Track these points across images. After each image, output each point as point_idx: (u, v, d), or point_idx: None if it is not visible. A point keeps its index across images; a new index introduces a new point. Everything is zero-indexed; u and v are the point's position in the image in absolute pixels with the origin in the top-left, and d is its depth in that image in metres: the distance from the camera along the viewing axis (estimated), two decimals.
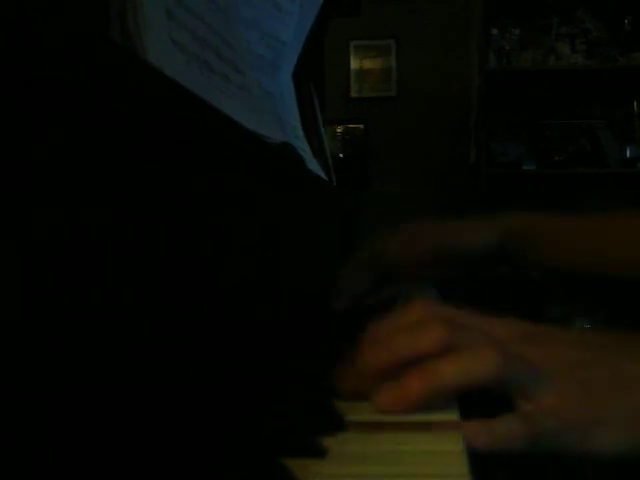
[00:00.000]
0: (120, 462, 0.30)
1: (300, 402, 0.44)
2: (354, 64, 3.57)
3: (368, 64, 3.56)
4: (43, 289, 0.29)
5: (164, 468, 0.31)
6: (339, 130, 3.54)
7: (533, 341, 0.46)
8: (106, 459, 0.30)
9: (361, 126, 3.56)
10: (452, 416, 0.43)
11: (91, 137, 0.34)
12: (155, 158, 0.41)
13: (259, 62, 0.89)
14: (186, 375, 0.41)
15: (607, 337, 0.49)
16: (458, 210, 3.24)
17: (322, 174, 1.09)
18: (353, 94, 3.57)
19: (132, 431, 0.32)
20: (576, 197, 3.25)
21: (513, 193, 3.28)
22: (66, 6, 0.34)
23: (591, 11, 3.24)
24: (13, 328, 0.26)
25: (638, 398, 0.44)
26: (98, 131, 0.34)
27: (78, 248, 0.31)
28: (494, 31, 3.23)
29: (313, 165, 1.03)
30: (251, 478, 0.31)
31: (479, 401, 0.45)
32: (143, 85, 0.41)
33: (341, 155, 3.50)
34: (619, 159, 3.24)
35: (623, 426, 0.44)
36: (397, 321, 0.46)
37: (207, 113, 0.51)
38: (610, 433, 0.44)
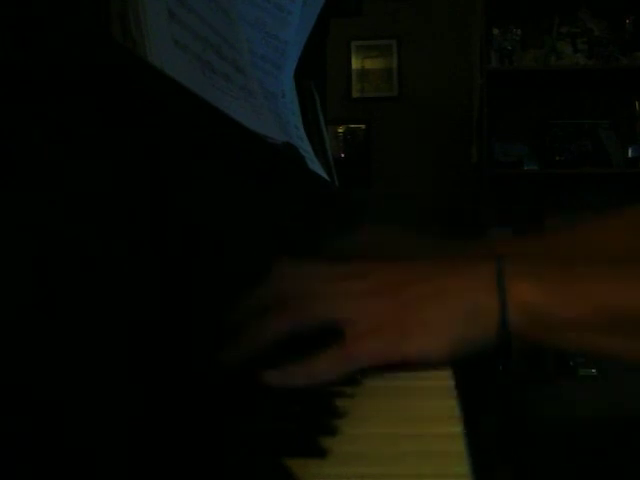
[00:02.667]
0: (120, 462, 0.30)
1: (300, 402, 0.44)
2: (356, 64, 3.57)
3: (370, 64, 3.56)
4: (42, 288, 0.29)
5: (164, 468, 0.31)
6: (341, 130, 3.54)
7: (357, 275, 0.51)
8: (106, 459, 0.30)
9: (363, 126, 3.55)
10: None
11: (92, 137, 0.34)
12: (156, 158, 0.41)
13: (261, 62, 0.89)
14: (186, 375, 0.41)
15: (425, 264, 0.54)
16: (459, 210, 3.24)
17: (324, 174, 1.09)
18: (355, 94, 3.57)
19: (133, 431, 0.32)
20: (578, 197, 3.25)
21: (515, 193, 3.28)
22: (67, 6, 0.34)
23: (592, 11, 3.23)
24: (12, 328, 0.27)
25: (444, 308, 0.49)
26: (99, 131, 0.34)
27: (78, 248, 0.32)
28: (496, 31, 3.23)
29: (315, 165, 1.03)
30: (251, 478, 0.31)
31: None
32: (144, 85, 0.41)
33: (343, 155, 3.50)
34: (621, 159, 3.23)
35: (429, 332, 0.49)
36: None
37: (209, 113, 0.51)
38: (417, 339, 0.49)
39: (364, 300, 0.50)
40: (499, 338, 0.49)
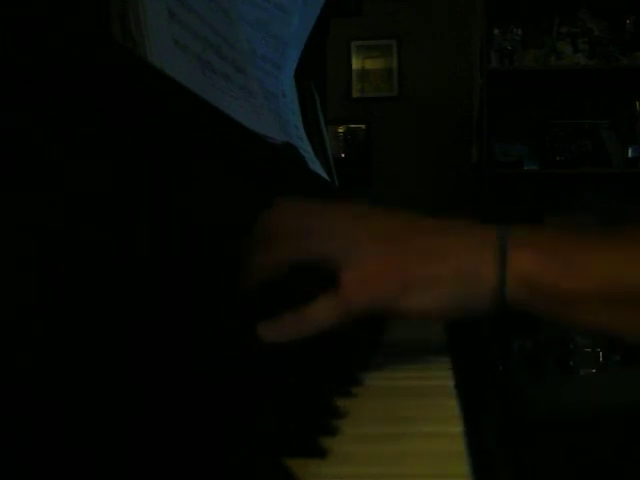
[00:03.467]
0: (120, 462, 0.30)
1: (300, 402, 0.44)
2: (356, 64, 3.57)
3: (370, 64, 3.56)
4: (40, 288, 0.29)
5: (164, 468, 0.31)
6: (341, 130, 3.54)
7: (359, 217, 0.51)
8: (106, 459, 0.30)
9: (363, 126, 3.55)
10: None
11: (92, 137, 0.34)
12: (156, 158, 0.41)
13: (261, 62, 0.89)
14: (186, 375, 0.41)
15: (426, 220, 0.53)
16: (459, 210, 3.24)
17: (324, 174, 1.09)
18: (355, 94, 3.57)
19: (133, 432, 0.32)
20: (578, 197, 3.24)
21: (515, 193, 3.28)
22: (67, 6, 0.34)
23: (593, 11, 3.23)
24: (12, 328, 0.27)
25: (445, 267, 0.48)
26: (99, 131, 0.34)
27: (77, 248, 0.32)
28: (496, 31, 3.22)
29: (315, 165, 1.03)
30: (251, 478, 0.31)
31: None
32: (144, 85, 0.41)
33: (343, 155, 3.50)
34: (622, 159, 3.23)
35: (428, 289, 0.48)
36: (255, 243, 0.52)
37: (209, 113, 0.51)
38: (417, 295, 0.48)
39: (364, 246, 0.48)
40: (495, 304, 0.48)
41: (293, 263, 0.49)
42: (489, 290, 0.48)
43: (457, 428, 0.40)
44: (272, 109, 0.87)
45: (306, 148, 1.02)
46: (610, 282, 0.47)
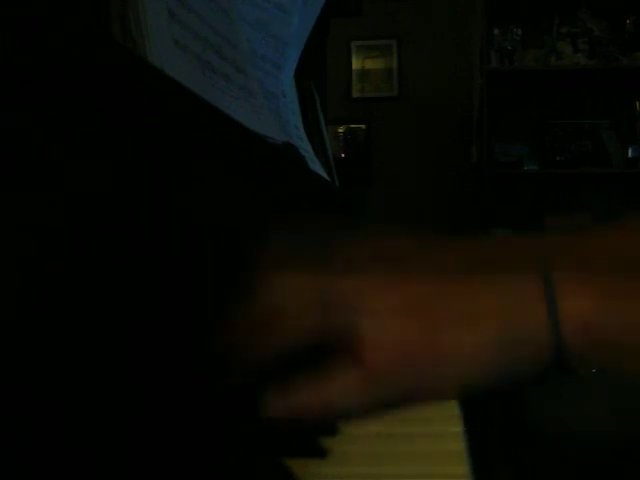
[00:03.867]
0: (120, 462, 0.30)
1: None
2: (356, 64, 3.56)
3: (370, 64, 3.56)
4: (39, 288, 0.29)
5: (164, 468, 0.31)
6: (341, 130, 3.54)
7: (362, 266, 0.43)
8: (106, 459, 0.30)
9: (363, 126, 3.55)
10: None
11: (92, 137, 0.34)
12: (156, 158, 0.41)
13: (261, 62, 0.89)
14: (186, 375, 0.41)
15: (459, 264, 0.45)
16: (459, 210, 3.24)
17: (324, 174, 1.09)
18: (355, 94, 3.57)
19: (133, 432, 0.32)
20: (578, 197, 3.24)
21: (515, 193, 3.28)
22: (67, 6, 0.34)
23: (593, 11, 3.23)
24: (12, 328, 0.27)
25: (484, 331, 0.39)
26: (99, 131, 0.34)
27: (77, 248, 0.31)
28: (496, 31, 3.22)
29: (315, 165, 1.03)
30: (252, 478, 0.32)
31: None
32: (144, 85, 0.41)
33: (343, 155, 3.50)
34: (622, 159, 3.23)
35: (471, 362, 0.39)
36: None
37: (209, 113, 0.51)
38: (458, 370, 0.39)
39: (389, 318, 0.40)
40: (552, 364, 0.40)
41: (299, 346, 0.40)
42: (542, 349, 0.39)
43: (457, 428, 0.40)
44: (272, 109, 0.87)
45: (306, 148, 1.02)
46: None
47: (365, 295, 0.40)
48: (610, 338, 0.39)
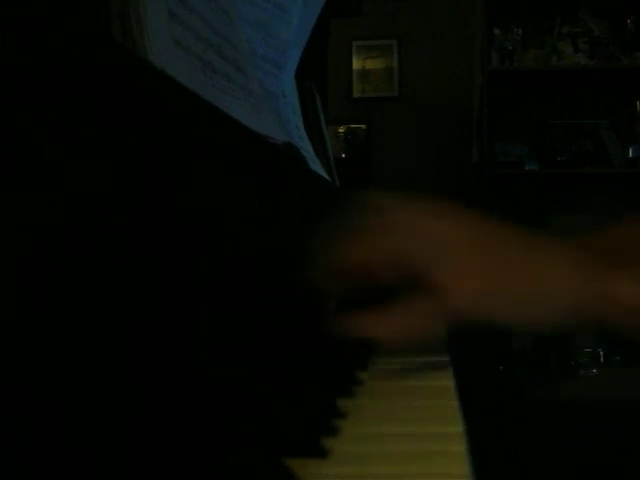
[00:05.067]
0: (120, 462, 0.30)
1: (301, 401, 0.44)
2: (356, 64, 3.56)
3: (370, 64, 3.56)
4: (39, 289, 0.29)
5: (164, 468, 0.31)
6: (341, 130, 3.54)
7: (444, 218, 0.51)
8: (106, 459, 0.30)
9: (363, 126, 3.55)
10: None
11: (92, 137, 0.34)
12: (157, 158, 0.41)
13: (261, 62, 0.89)
14: (186, 374, 0.41)
15: (512, 232, 0.55)
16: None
17: (324, 174, 1.09)
18: (355, 94, 3.57)
19: (132, 431, 0.32)
20: (579, 197, 3.24)
21: (516, 193, 3.28)
22: (67, 6, 0.34)
23: (593, 11, 3.23)
24: (12, 328, 0.27)
25: (541, 283, 0.49)
26: (99, 131, 0.34)
27: (78, 248, 0.32)
28: (496, 31, 3.22)
29: (315, 165, 1.03)
30: (251, 478, 0.31)
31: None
32: (145, 85, 0.41)
33: (343, 155, 3.50)
34: (622, 159, 3.23)
35: (527, 303, 0.48)
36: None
37: (209, 113, 0.51)
38: (512, 307, 0.48)
39: (463, 255, 0.48)
40: (581, 320, 0.50)
41: (384, 265, 0.48)
42: (575, 306, 0.49)
43: (457, 428, 0.40)
44: (273, 109, 0.87)
45: (307, 148, 1.02)
46: None
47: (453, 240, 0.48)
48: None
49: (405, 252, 0.48)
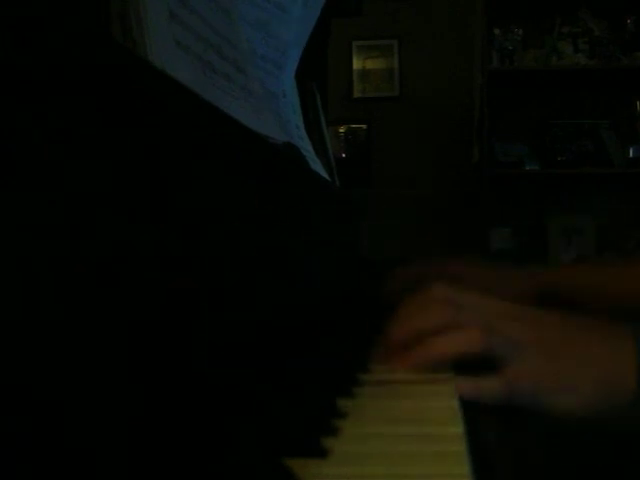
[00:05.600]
0: (120, 462, 0.30)
1: (301, 402, 0.44)
2: (357, 64, 3.56)
3: (371, 64, 3.56)
4: (42, 290, 0.29)
5: (165, 468, 0.31)
6: (342, 130, 3.54)
7: (517, 318, 0.59)
8: (106, 459, 0.30)
9: (364, 126, 3.55)
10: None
11: (92, 137, 0.34)
12: (157, 158, 0.41)
13: (261, 62, 0.89)
14: (186, 374, 0.41)
15: (579, 321, 0.62)
16: (459, 210, 3.24)
17: (325, 174, 1.09)
18: (356, 94, 3.57)
19: (132, 431, 0.32)
20: (579, 197, 3.24)
21: (516, 193, 3.28)
22: (67, 6, 0.34)
23: (593, 11, 3.23)
24: (12, 328, 0.27)
25: (598, 372, 0.57)
26: (99, 131, 0.34)
27: (77, 248, 0.32)
28: (497, 31, 3.22)
29: (316, 165, 1.03)
30: (252, 478, 0.31)
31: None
32: (145, 85, 0.41)
33: (344, 155, 3.50)
34: (622, 159, 3.23)
35: (574, 393, 0.56)
36: (414, 303, 0.61)
37: (209, 113, 0.51)
38: (564, 398, 0.56)
39: (533, 347, 0.56)
40: (634, 406, 0.56)
41: (463, 353, 0.56)
42: (630, 394, 0.56)
43: (458, 428, 0.40)
44: (273, 109, 0.87)
45: (307, 148, 1.02)
46: None
47: (512, 334, 0.57)
48: None
49: (485, 343, 0.56)
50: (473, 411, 0.48)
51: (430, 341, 0.56)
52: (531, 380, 0.56)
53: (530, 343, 0.57)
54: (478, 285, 0.97)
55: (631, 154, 3.21)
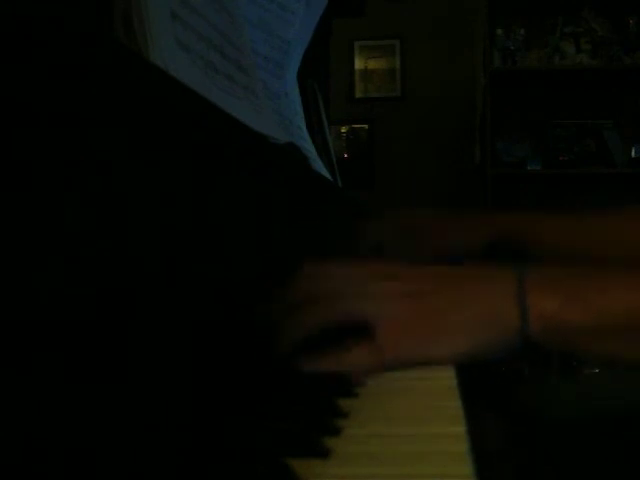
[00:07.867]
0: (120, 462, 0.30)
1: (303, 402, 0.44)
2: (359, 64, 3.57)
3: (373, 64, 3.56)
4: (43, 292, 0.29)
5: (166, 468, 0.31)
6: (344, 130, 3.54)
7: (388, 277, 0.56)
8: (106, 459, 0.30)
9: (366, 126, 3.56)
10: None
11: (94, 137, 0.34)
12: (159, 158, 0.41)
13: (264, 62, 0.89)
14: (188, 374, 0.41)
15: (460, 269, 0.59)
16: (462, 210, 3.24)
17: (327, 174, 1.09)
18: (358, 94, 3.57)
19: (133, 431, 0.32)
20: (582, 197, 3.24)
21: (518, 193, 3.28)
22: (69, 6, 0.34)
23: (596, 11, 3.23)
24: (11, 328, 0.27)
25: (470, 314, 0.54)
26: (103, 132, 0.34)
27: (77, 248, 0.32)
28: (499, 31, 3.23)
29: (318, 165, 1.03)
30: (254, 478, 0.31)
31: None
32: (147, 85, 0.41)
33: (346, 155, 3.50)
34: (625, 159, 3.23)
35: (456, 336, 0.54)
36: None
37: (212, 113, 0.51)
38: (446, 343, 0.54)
39: (397, 302, 0.54)
40: (520, 344, 0.54)
41: (329, 325, 0.53)
42: (513, 332, 0.53)
43: (460, 428, 0.40)
44: (275, 109, 0.87)
45: (309, 148, 1.02)
46: (615, 317, 0.53)
47: (383, 287, 0.55)
48: (561, 323, 0.53)
49: (346, 312, 0.54)
50: (475, 411, 0.48)
51: (285, 322, 0.53)
52: (402, 334, 0.53)
53: (397, 298, 0.54)
54: (432, 239, 0.95)
55: (634, 154, 3.21)
